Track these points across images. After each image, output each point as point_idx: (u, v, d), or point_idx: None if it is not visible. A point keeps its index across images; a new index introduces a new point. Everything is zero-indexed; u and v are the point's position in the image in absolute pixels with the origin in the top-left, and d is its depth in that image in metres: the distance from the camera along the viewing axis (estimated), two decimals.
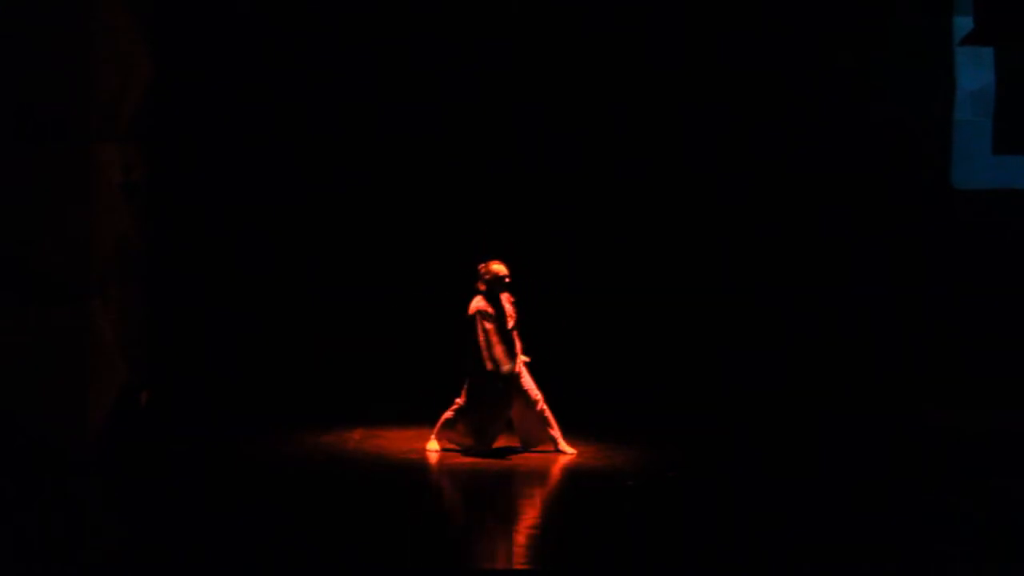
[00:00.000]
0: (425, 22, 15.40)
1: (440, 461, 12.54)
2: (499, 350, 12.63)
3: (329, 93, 15.40)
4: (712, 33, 15.48)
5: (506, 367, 12.61)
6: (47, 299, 11.78)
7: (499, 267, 12.77)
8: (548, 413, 12.83)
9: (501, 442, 12.88)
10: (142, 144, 12.95)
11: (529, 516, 11.17)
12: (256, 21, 15.20)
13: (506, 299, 12.80)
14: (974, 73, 15.91)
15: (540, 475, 12.22)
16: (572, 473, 12.23)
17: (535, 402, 12.80)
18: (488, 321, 12.65)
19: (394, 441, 13.32)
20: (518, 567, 9.44)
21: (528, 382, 12.80)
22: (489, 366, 12.61)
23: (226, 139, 15.17)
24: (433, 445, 12.90)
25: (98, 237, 12.06)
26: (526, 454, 12.82)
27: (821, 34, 15.58)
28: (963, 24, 15.71)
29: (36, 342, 11.76)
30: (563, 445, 12.84)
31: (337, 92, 15.42)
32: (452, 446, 12.89)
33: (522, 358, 12.81)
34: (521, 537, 10.32)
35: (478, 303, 12.70)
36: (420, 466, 12.38)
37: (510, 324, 12.74)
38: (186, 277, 14.93)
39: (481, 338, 12.63)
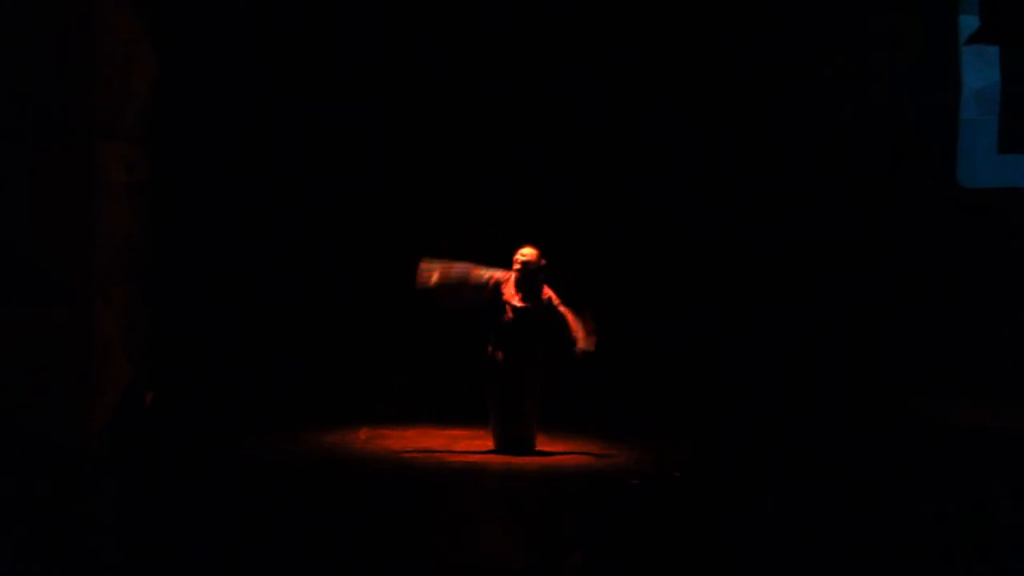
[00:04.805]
0: (428, 21, 15.41)
1: (441, 460, 12.56)
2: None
3: (334, 93, 15.42)
4: (712, 33, 15.48)
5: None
6: (47, 299, 11.78)
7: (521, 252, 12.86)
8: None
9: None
10: (145, 143, 12.96)
11: (532, 515, 11.16)
12: (261, 20, 15.22)
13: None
14: (980, 72, 15.91)
15: (542, 474, 12.22)
16: (575, 472, 12.22)
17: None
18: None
19: (400, 441, 13.34)
20: (520, 566, 9.44)
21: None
22: None
23: (230, 138, 15.19)
24: None
25: (100, 237, 12.06)
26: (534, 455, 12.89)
27: (825, 33, 15.58)
28: (969, 23, 15.70)
29: (36, 342, 11.76)
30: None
31: (342, 92, 15.43)
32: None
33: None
34: (523, 537, 10.32)
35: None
36: (424, 466, 12.39)
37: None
38: (189, 276, 14.95)
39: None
